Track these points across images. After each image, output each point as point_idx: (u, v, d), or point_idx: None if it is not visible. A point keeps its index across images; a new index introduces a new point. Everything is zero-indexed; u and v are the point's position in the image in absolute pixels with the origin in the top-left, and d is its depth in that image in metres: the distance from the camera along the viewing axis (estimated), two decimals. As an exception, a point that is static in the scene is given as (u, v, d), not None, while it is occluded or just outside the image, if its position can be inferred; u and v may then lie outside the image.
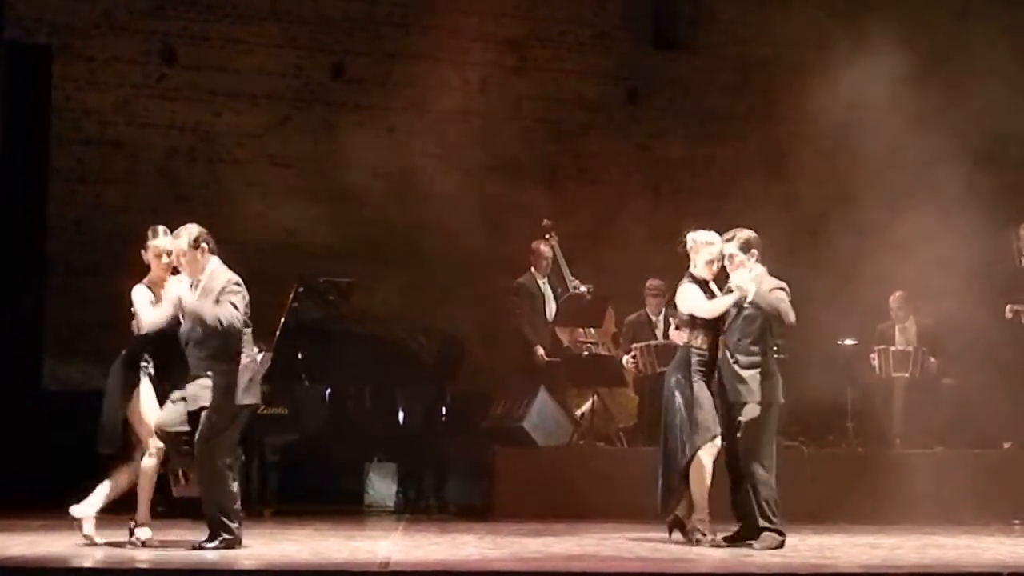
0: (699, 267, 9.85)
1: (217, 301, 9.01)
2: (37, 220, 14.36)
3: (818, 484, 11.97)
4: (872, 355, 13.66)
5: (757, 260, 9.64)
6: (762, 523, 9.45)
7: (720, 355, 9.57)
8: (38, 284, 14.36)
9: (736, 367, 9.45)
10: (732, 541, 9.55)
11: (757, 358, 9.47)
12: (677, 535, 9.87)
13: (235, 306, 9.03)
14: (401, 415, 13.13)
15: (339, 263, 14.75)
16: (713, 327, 9.67)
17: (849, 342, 13.57)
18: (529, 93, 16.17)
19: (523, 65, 16.16)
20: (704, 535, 9.61)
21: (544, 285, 13.30)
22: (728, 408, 9.52)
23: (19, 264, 13.37)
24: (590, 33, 16.37)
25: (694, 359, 9.69)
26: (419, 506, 13.23)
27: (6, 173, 12.46)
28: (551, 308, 13.21)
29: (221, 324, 8.96)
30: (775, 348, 9.86)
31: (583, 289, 13.03)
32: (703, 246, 9.86)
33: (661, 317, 13.21)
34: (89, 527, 9.42)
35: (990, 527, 11.48)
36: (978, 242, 14.51)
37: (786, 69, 16.12)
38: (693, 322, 9.73)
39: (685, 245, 9.96)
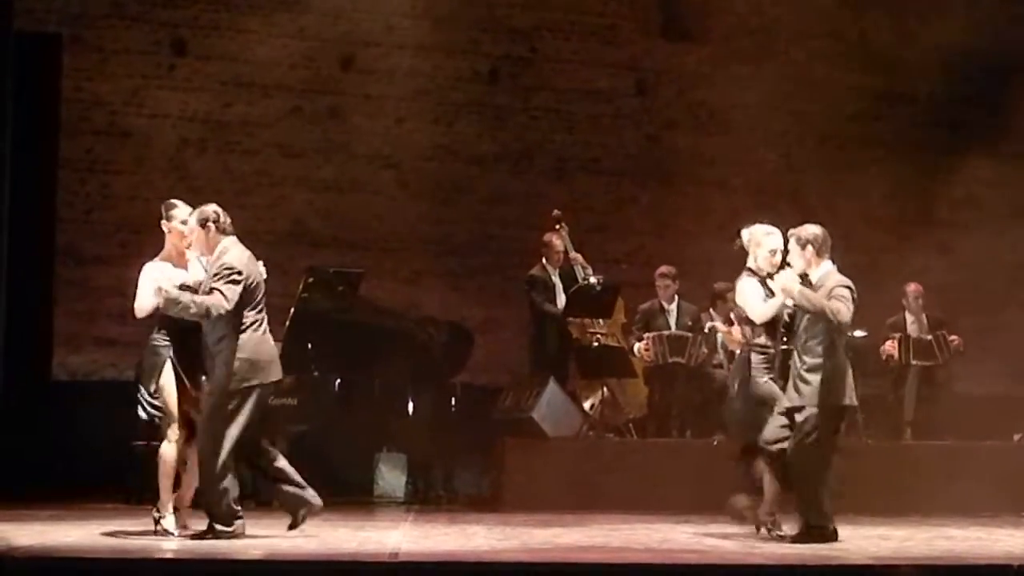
0: (760, 260, 9.58)
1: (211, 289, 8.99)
2: (46, 210, 14.37)
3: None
4: (889, 342, 13.61)
5: (817, 254, 9.30)
6: (813, 522, 9.35)
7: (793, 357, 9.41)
8: (47, 274, 14.37)
9: (800, 369, 9.23)
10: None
11: (819, 360, 9.19)
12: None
13: (223, 294, 8.89)
14: (410, 406, 13.13)
15: (348, 253, 14.78)
16: (775, 324, 9.55)
17: (859, 334, 13.54)
18: (538, 84, 16.15)
19: (533, 56, 16.14)
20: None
21: (555, 277, 13.27)
22: (790, 411, 9.32)
23: (28, 254, 13.35)
24: (600, 24, 16.35)
25: (757, 357, 9.55)
26: (428, 497, 13.24)
27: (16, 163, 12.43)
28: (562, 300, 13.18)
29: (209, 314, 8.89)
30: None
31: (593, 280, 13.01)
32: (764, 237, 9.60)
33: (674, 305, 13.22)
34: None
35: (1001, 519, 11.46)
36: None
37: (795, 60, 16.14)
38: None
39: (741, 241, 9.69)
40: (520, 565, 8.17)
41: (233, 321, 9.01)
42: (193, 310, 8.90)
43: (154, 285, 9.10)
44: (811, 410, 9.19)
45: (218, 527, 8.98)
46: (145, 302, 9.23)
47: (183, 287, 9.15)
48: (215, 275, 9.00)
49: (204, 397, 9.19)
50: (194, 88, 15.21)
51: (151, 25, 15.16)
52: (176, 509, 9.36)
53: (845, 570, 8.19)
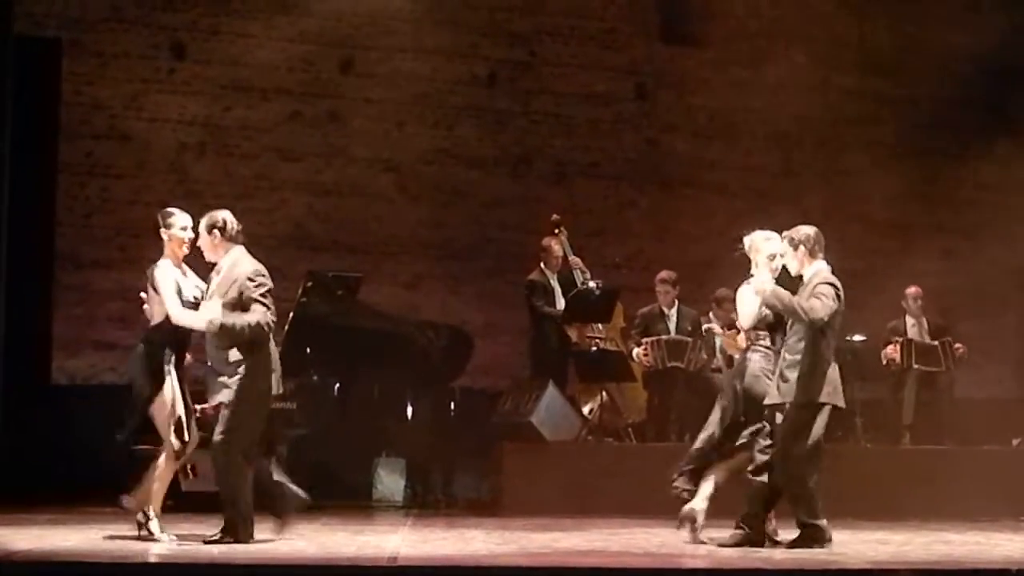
0: (761, 266, 9.51)
1: (244, 303, 8.91)
2: (46, 214, 14.37)
3: (826, 480, 11.93)
4: (891, 346, 13.59)
5: (809, 254, 9.23)
6: (804, 520, 9.31)
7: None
8: (46, 278, 14.37)
9: (782, 367, 9.19)
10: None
11: (798, 356, 9.15)
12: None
13: (263, 303, 8.85)
14: (409, 410, 13.13)
15: (348, 257, 14.78)
16: (779, 327, 9.50)
17: (859, 338, 13.54)
18: (538, 88, 16.16)
19: (532, 60, 16.15)
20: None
21: (554, 281, 13.27)
22: (772, 409, 9.30)
23: (27, 258, 13.36)
24: (599, 28, 16.36)
25: (758, 359, 9.56)
26: (427, 501, 13.24)
27: (15, 166, 12.45)
28: (560, 304, 13.17)
29: (260, 329, 8.85)
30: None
31: (592, 284, 13.01)
32: (762, 243, 9.50)
33: (674, 311, 13.20)
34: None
35: (999, 523, 11.46)
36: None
37: (794, 63, 16.15)
38: (756, 323, 9.60)
39: (743, 248, 9.58)
40: (519, 569, 8.17)
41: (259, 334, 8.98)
42: (247, 332, 8.84)
43: (205, 319, 8.96)
44: (789, 407, 9.18)
45: (239, 535, 8.95)
46: (184, 316, 9.04)
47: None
48: (245, 287, 8.88)
49: (222, 408, 9.09)
50: (193, 92, 15.22)
51: (150, 29, 15.16)
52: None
53: (843, 574, 8.20)
